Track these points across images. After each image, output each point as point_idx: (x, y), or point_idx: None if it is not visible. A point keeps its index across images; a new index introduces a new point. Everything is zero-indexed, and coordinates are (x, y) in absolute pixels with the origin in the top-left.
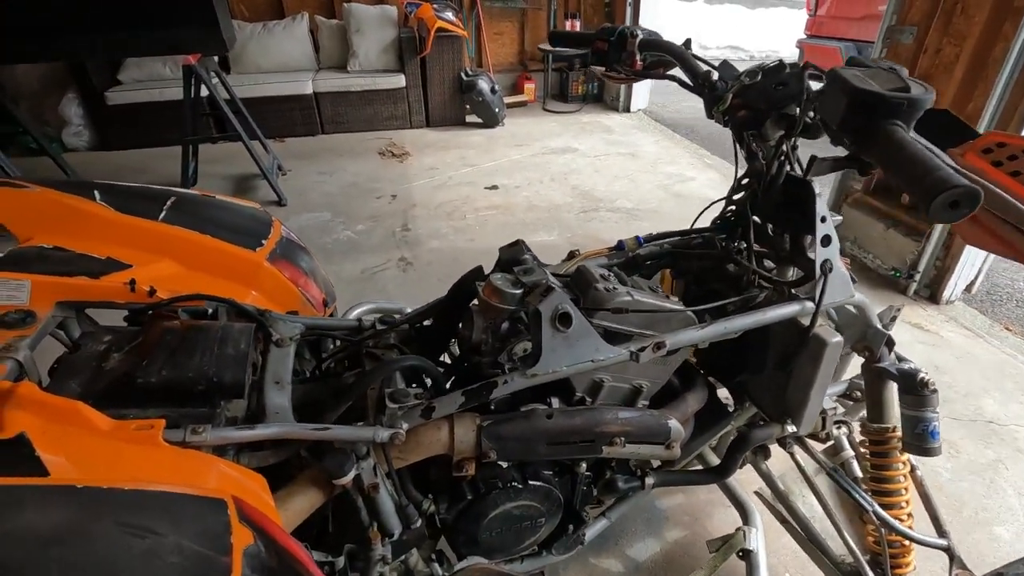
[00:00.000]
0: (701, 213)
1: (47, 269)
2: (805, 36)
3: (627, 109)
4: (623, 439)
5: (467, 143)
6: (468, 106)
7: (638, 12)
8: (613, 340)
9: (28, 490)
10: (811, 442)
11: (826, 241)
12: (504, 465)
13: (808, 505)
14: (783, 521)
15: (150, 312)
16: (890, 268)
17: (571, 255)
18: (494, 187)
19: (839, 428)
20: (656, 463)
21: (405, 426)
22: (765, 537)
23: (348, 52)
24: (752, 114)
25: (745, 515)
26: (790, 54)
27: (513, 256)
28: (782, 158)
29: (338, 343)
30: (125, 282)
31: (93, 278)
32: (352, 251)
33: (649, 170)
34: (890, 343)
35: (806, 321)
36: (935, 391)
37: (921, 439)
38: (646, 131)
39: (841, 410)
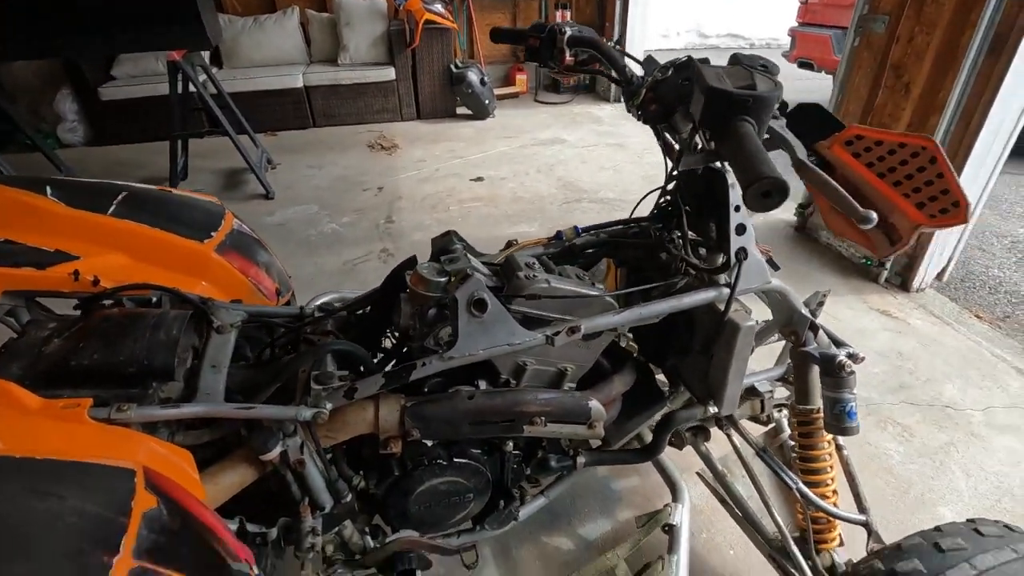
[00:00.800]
0: (639, 202)
1: None
2: (797, 24)
3: (619, 99)
4: (544, 419)
5: (456, 135)
6: (458, 98)
7: (627, 1)
8: (533, 325)
9: None
10: (749, 424)
11: (740, 230)
12: (429, 444)
13: (747, 485)
14: (722, 500)
15: (92, 301)
16: (862, 257)
17: (509, 244)
18: (480, 179)
19: (780, 411)
20: (596, 444)
21: (329, 406)
22: (712, 516)
23: (339, 45)
24: (662, 108)
25: (674, 492)
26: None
27: (443, 246)
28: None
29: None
30: (70, 272)
31: (39, 269)
32: (336, 243)
33: (635, 160)
34: (814, 327)
35: (724, 307)
36: (852, 373)
37: (839, 419)
38: (636, 121)
39: (785, 393)
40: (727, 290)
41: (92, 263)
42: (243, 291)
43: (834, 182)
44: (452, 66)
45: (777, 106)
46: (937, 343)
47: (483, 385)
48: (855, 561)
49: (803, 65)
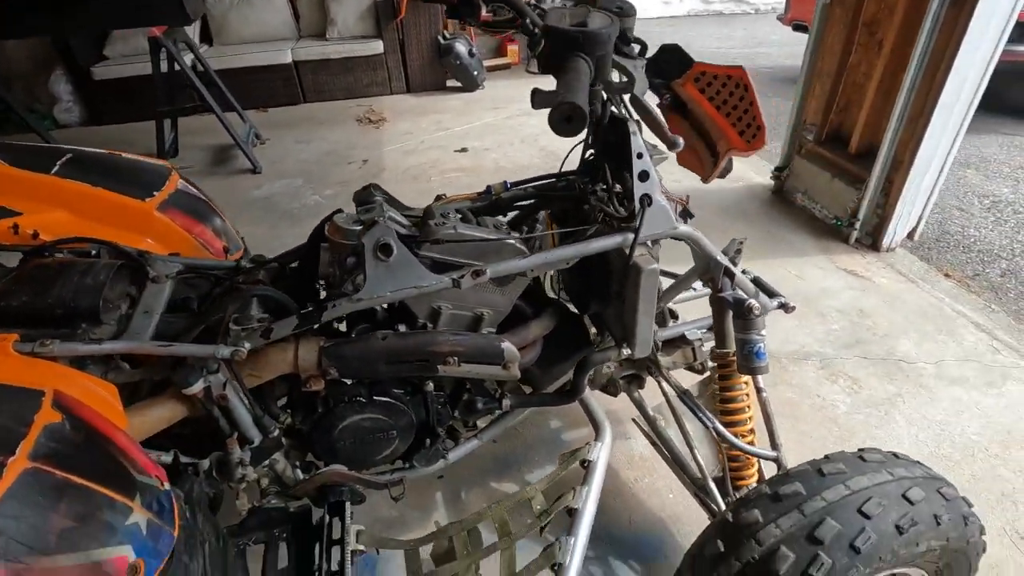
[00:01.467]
0: (567, 156)
1: None
2: None
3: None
4: (457, 359)
5: (444, 107)
6: (447, 71)
7: None
8: (444, 270)
9: None
10: (682, 372)
11: (643, 176)
12: (349, 382)
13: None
14: (654, 444)
15: (32, 253)
16: (833, 217)
17: (438, 199)
18: (464, 150)
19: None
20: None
21: (247, 345)
22: (655, 464)
23: (327, 19)
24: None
25: (597, 431)
26: None
27: (363, 198)
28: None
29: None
30: (9, 226)
31: None
32: (318, 215)
33: None
34: (729, 274)
35: (629, 251)
36: (760, 315)
37: (748, 359)
38: None
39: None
40: (631, 236)
41: (33, 219)
42: (187, 248)
43: (656, 112)
44: (440, 37)
45: (637, 48)
46: (899, 300)
47: (402, 329)
48: None
49: (798, 28)
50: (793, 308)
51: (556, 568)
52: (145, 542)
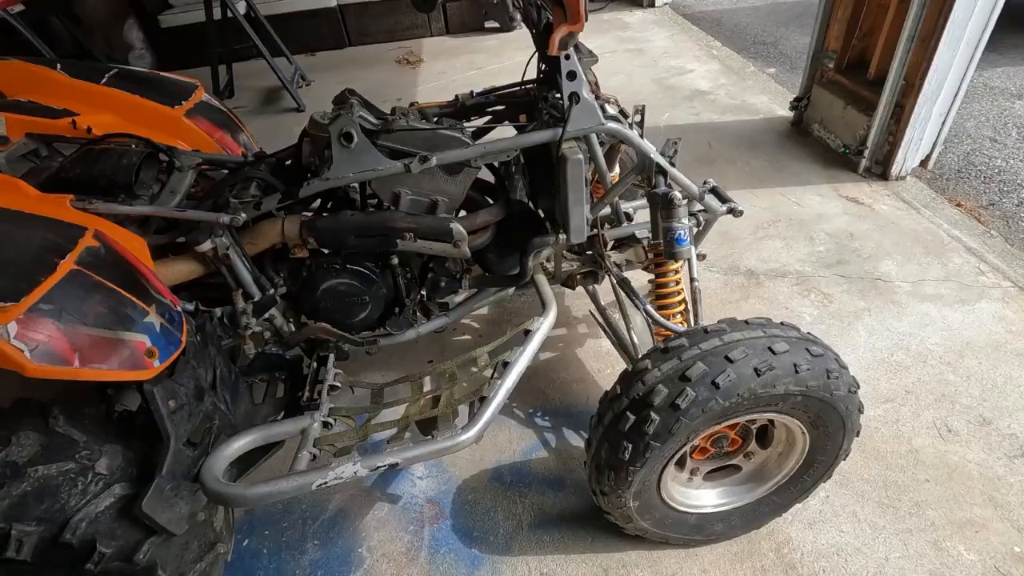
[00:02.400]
0: (526, 67)
1: (20, 112)
2: None
3: (652, 4)
4: (412, 235)
5: (480, 48)
6: (485, 11)
7: None
8: (399, 158)
9: None
10: (634, 270)
11: (570, 76)
12: (326, 252)
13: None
14: (604, 330)
15: (86, 144)
16: (842, 146)
17: (411, 105)
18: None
19: None
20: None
21: (243, 216)
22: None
23: None
24: None
25: (544, 307)
26: None
27: (339, 100)
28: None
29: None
30: (70, 122)
31: (50, 119)
32: None
33: (650, 65)
34: (661, 171)
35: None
36: (680, 206)
37: (671, 245)
38: (664, 26)
39: None
40: (560, 130)
41: (88, 119)
42: (210, 150)
43: None
44: None
45: None
46: (894, 225)
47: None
48: None
49: None
50: (741, 212)
51: (481, 400)
52: (159, 337)
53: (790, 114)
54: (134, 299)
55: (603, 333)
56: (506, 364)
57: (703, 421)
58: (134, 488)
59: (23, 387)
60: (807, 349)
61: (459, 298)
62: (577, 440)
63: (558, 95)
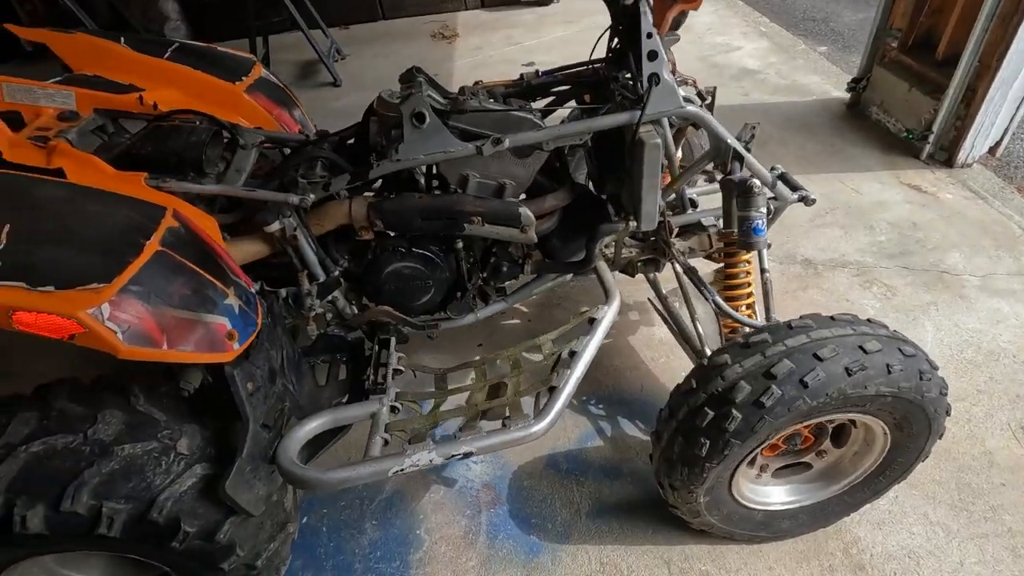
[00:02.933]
0: (595, 45)
1: (87, 87)
2: None
3: None
4: (480, 220)
5: (516, 22)
6: None
7: None
8: (470, 139)
9: (54, 182)
10: (696, 258)
11: (652, 56)
12: (393, 235)
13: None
14: (664, 319)
15: (152, 121)
16: (904, 131)
17: (476, 83)
18: (531, 64)
19: None
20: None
21: (312, 196)
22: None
23: None
24: None
25: (608, 297)
26: None
27: (407, 78)
28: None
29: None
30: (137, 98)
31: (117, 94)
32: None
33: (695, 41)
34: (738, 157)
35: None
36: (759, 194)
37: (746, 235)
38: (707, 0)
39: None
40: (638, 112)
41: (153, 95)
42: (269, 127)
43: None
44: None
45: None
46: (960, 215)
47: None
48: None
49: None
50: (814, 200)
51: (551, 390)
52: (237, 319)
53: (846, 95)
54: (215, 281)
55: (660, 321)
56: (573, 354)
57: (787, 420)
58: (213, 468)
59: (66, 363)
60: (899, 349)
61: (517, 283)
62: (632, 429)
63: (628, 75)
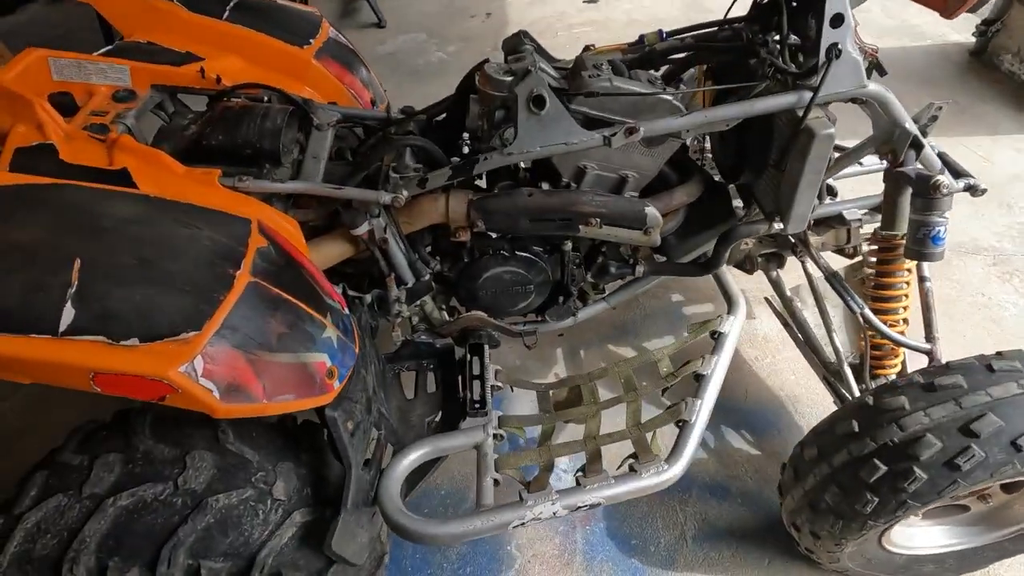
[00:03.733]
0: (734, 2)
1: (141, 58)
2: None
3: None
4: (599, 221)
5: None
6: None
7: None
8: (595, 127)
9: (124, 194)
10: (828, 253)
11: (836, 20)
12: (494, 236)
13: (816, 313)
14: (786, 325)
15: (218, 97)
16: None
17: (585, 49)
18: (593, 1)
19: (870, 243)
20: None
21: (405, 193)
22: (780, 346)
23: None
24: None
25: (731, 305)
26: None
27: (513, 46)
28: None
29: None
30: (197, 70)
31: (175, 66)
32: (443, 73)
33: None
34: (917, 145)
35: (803, 112)
36: (948, 195)
37: (922, 244)
38: None
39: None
40: (808, 94)
41: (214, 64)
42: (340, 97)
43: None
44: None
45: None
46: None
47: (546, 187)
48: None
49: None
50: (984, 191)
51: (681, 424)
52: (336, 353)
53: (969, 40)
54: (311, 312)
55: (762, 313)
56: (699, 377)
57: (986, 483)
58: (312, 513)
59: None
60: None
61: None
62: (738, 441)
63: (776, 38)
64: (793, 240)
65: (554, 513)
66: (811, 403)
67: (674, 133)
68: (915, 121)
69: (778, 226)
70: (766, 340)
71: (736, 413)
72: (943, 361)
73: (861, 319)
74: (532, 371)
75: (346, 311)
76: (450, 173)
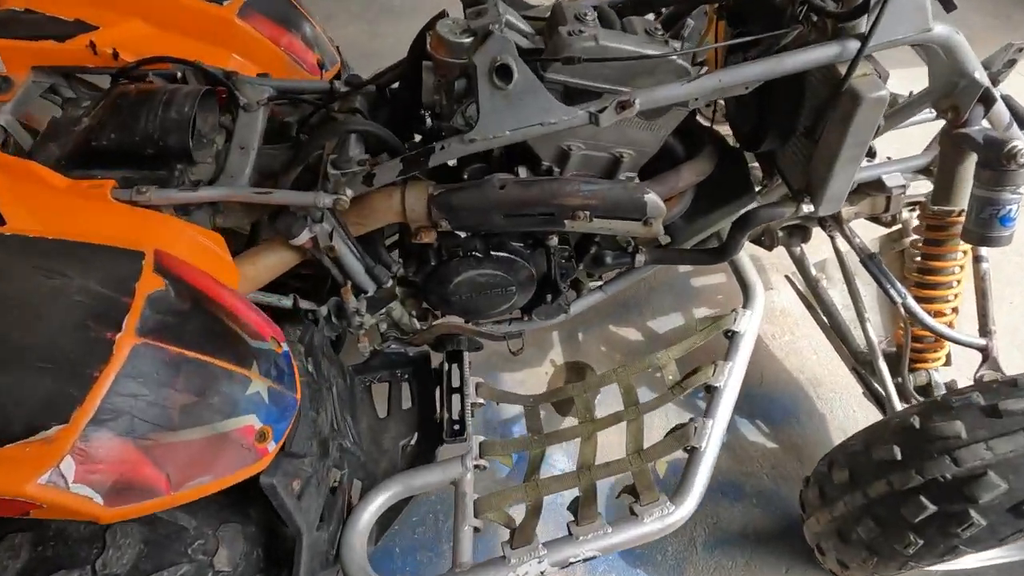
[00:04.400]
0: None
1: (17, 34)
2: None
3: None
4: (588, 214)
5: None
6: None
7: None
8: (579, 98)
9: None
10: (857, 226)
11: None
12: (462, 235)
13: (845, 293)
14: (810, 307)
15: (119, 76)
16: None
17: None
18: None
19: (912, 211)
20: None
21: (349, 193)
22: (799, 320)
23: None
24: None
25: (747, 296)
26: None
27: None
28: None
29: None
30: (86, 44)
31: (59, 41)
32: (421, 9)
33: None
34: (987, 99)
35: (847, 68)
36: (1023, 167)
37: (986, 225)
38: None
39: (923, 190)
40: (856, 44)
41: (110, 33)
42: (277, 63)
43: None
44: None
45: None
46: None
47: (523, 173)
48: (958, 387)
49: None
50: None
51: (690, 451)
52: (269, 409)
53: None
54: (229, 367)
55: (778, 285)
56: (711, 389)
57: None
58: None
59: None
60: None
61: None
62: (753, 433)
63: None
64: None
65: (542, 573)
66: (835, 387)
67: (680, 102)
68: (985, 68)
69: (808, 208)
70: (784, 314)
71: (750, 400)
72: (998, 358)
73: (903, 310)
74: (525, 357)
75: (283, 347)
76: (400, 167)
